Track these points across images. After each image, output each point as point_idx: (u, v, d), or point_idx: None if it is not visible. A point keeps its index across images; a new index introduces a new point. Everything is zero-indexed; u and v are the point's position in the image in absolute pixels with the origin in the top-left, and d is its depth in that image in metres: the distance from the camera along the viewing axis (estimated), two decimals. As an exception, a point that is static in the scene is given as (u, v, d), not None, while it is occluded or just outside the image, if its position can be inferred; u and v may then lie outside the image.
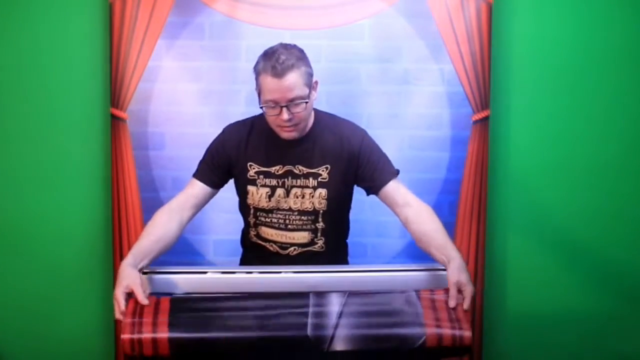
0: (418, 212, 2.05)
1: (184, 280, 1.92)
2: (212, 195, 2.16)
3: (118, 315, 1.76)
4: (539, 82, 2.72)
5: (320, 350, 1.67)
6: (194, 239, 2.70)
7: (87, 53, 2.69)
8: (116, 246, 2.69)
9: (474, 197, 2.69)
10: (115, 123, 2.65)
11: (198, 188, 2.13)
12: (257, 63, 2.00)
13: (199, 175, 2.15)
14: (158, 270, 1.96)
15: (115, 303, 1.78)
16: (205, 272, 1.91)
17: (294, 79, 1.95)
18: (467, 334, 1.70)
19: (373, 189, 2.11)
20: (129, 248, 2.65)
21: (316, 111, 2.14)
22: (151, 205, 2.68)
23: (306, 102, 1.99)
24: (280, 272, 1.92)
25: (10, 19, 2.68)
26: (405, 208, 2.07)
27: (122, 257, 2.66)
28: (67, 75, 2.70)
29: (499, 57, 2.70)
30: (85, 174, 2.74)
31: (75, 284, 2.79)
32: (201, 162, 2.18)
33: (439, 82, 2.66)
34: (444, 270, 1.89)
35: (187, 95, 2.67)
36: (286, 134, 2.04)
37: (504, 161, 2.75)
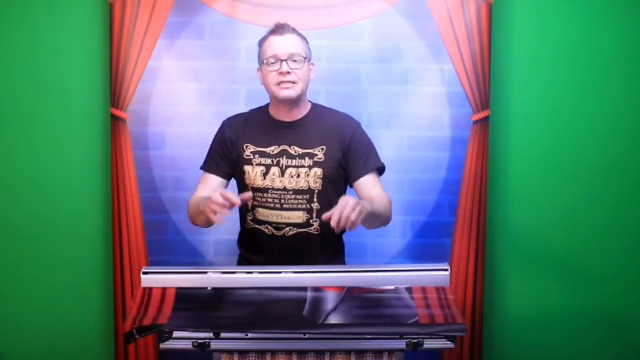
0: (373, 201, 2.11)
1: (184, 280, 1.92)
2: (226, 187, 2.23)
3: (223, 210, 1.91)
4: (539, 82, 2.72)
5: (314, 323, 1.73)
6: (194, 239, 2.70)
7: (87, 53, 2.69)
8: (116, 246, 2.69)
9: (474, 197, 2.70)
10: (115, 123, 2.65)
11: (213, 181, 2.21)
12: (262, 37, 2.18)
13: (209, 169, 2.23)
14: (159, 271, 1.96)
15: (215, 206, 1.91)
16: (205, 272, 1.91)
17: (295, 39, 2.14)
18: (458, 313, 1.79)
19: (350, 179, 2.18)
20: (129, 248, 2.68)
21: (314, 103, 2.24)
22: (151, 205, 2.69)
23: (304, 59, 2.12)
24: (280, 272, 1.92)
25: (10, 19, 2.68)
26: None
27: (122, 257, 2.69)
28: (67, 75, 2.70)
29: (499, 57, 2.70)
30: (85, 174, 2.74)
31: (76, 283, 2.79)
32: (208, 156, 2.25)
33: (439, 82, 2.66)
34: (445, 270, 1.90)
35: (187, 95, 2.67)
36: (284, 91, 2.12)
37: (504, 161, 2.75)
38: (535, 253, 2.80)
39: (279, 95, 2.12)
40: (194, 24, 2.64)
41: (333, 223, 1.84)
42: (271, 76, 2.12)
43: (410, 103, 2.67)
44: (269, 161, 2.17)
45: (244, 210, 2.24)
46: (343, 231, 2.32)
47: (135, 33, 2.61)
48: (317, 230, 2.18)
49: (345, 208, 1.84)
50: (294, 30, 2.16)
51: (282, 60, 2.10)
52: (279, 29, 2.14)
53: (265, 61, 2.13)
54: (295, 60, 2.11)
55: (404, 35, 2.64)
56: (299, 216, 2.17)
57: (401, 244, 2.72)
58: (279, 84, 2.11)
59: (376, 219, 2.07)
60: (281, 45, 2.11)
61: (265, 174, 2.16)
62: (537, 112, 2.73)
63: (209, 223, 2.06)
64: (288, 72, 2.10)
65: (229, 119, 2.27)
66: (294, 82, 2.11)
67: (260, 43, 2.18)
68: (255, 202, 2.20)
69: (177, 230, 2.69)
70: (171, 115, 2.67)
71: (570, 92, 2.73)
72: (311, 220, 2.17)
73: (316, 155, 2.16)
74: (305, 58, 2.14)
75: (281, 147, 2.17)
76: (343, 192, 2.23)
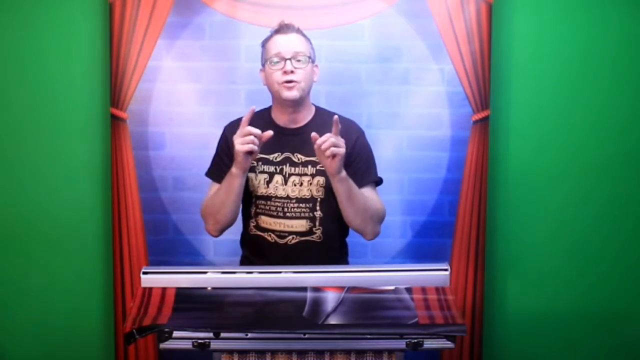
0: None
1: (184, 280, 1.92)
2: None
3: (253, 139, 1.98)
4: (539, 82, 2.72)
5: (314, 323, 1.73)
6: (194, 239, 2.70)
7: (87, 53, 2.69)
8: (116, 246, 2.69)
9: (474, 197, 2.70)
10: (115, 123, 2.65)
11: None
12: (266, 37, 2.17)
13: (217, 178, 2.19)
14: (159, 271, 1.96)
15: (247, 137, 1.97)
16: (205, 272, 1.91)
17: (299, 38, 2.14)
18: (458, 314, 1.79)
19: None
20: (129, 248, 2.68)
21: (317, 107, 2.22)
22: (151, 205, 2.69)
23: (308, 58, 2.11)
24: (280, 272, 1.92)
25: (10, 19, 2.68)
26: None
27: (122, 257, 2.69)
28: (67, 75, 2.70)
29: (499, 57, 2.70)
30: (85, 174, 2.74)
31: (76, 283, 2.79)
32: (214, 165, 2.23)
33: (439, 82, 2.66)
34: (445, 270, 1.90)
35: (187, 95, 2.67)
36: (288, 92, 2.10)
37: (504, 161, 2.75)
38: (535, 253, 2.80)
39: (283, 96, 2.10)
40: (194, 24, 2.64)
41: (319, 141, 1.95)
42: (275, 75, 2.10)
43: (410, 103, 2.67)
44: (272, 169, 2.16)
45: (247, 216, 2.23)
46: (346, 234, 2.31)
47: (135, 33, 2.61)
48: (319, 239, 2.17)
49: (333, 138, 1.96)
50: (298, 30, 2.15)
51: (286, 59, 2.09)
52: (283, 28, 2.14)
53: (268, 60, 2.12)
54: (299, 60, 2.10)
55: (404, 35, 2.64)
56: (301, 224, 2.16)
57: (401, 244, 2.72)
58: (282, 83, 2.09)
59: (355, 205, 2.07)
60: (285, 43, 2.11)
61: (268, 182, 2.15)
62: (537, 112, 2.73)
63: (236, 206, 2.12)
64: (292, 72, 2.08)
65: (231, 124, 2.24)
66: (297, 82, 2.09)
67: (264, 43, 2.17)
68: (257, 210, 2.19)
69: (177, 230, 2.69)
70: (171, 116, 2.67)
71: (571, 91, 2.73)
72: (314, 229, 2.16)
73: (319, 163, 2.12)
74: (309, 58, 2.12)
75: (284, 155, 2.16)
76: None
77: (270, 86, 2.15)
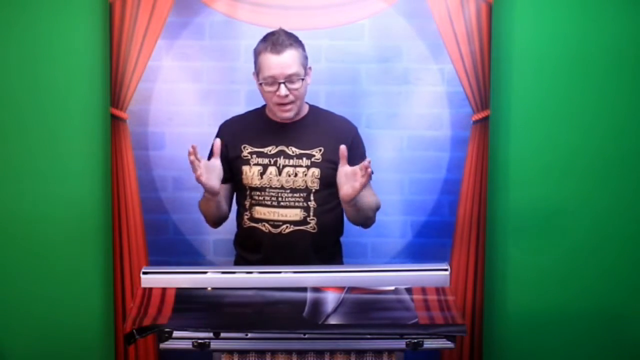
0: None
1: (184, 280, 1.92)
2: (232, 189, 2.27)
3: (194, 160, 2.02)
4: (539, 82, 2.72)
5: (314, 323, 1.74)
6: (194, 239, 2.70)
7: (87, 53, 2.69)
8: (116, 246, 2.69)
9: (474, 197, 2.69)
10: (115, 123, 2.65)
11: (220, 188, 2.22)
12: (257, 45, 2.14)
13: None
14: (159, 271, 1.96)
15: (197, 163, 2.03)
16: (205, 272, 1.92)
17: (292, 56, 2.10)
18: (458, 315, 1.80)
19: None
20: (129, 248, 2.68)
21: (311, 105, 2.26)
22: (151, 205, 2.69)
23: (302, 79, 2.12)
24: (280, 272, 1.92)
25: (10, 19, 2.68)
26: None
27: (122, 257, 2.69)
28: (67, 75, 2.70)
29: (499, 57, 2.70)
30: (85, 174, 2.74)
31: (76, 283, 2.79)
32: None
33: (439, 82, 2.66)
34: (445, 270, 1.90)
35: (187, 95, 2.67)
36: (283, 113, 2.14)
37: (504, 161, 2.75)
38: (535, 252, 2.80)
39: (278, 115, 2.16)
40: (194, 24, 2.64)
41: (365, 163, 1.98)
42: (269, 96, 2.13)
43: (410, 103, 2.67)
44: (266, 161, 2.19)
45: (241, 210, 2.26)
46: (340, 232, 2.32)
47: (135, 33, 2.61)
48: (314, 229, 2.19)
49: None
50: (290, 45, 2.10)
51: (279, 83, 2.09)
52: (276, 45, 2.09)
53: (262, 81, 2.12)
54: (292, 81, 2.10)
55: (404, 35, 2.64)
56: (295, 214, 2.18)
57: (401, 244, 2.72)
58: (277, 104, 2.13)
59: (360, 212, 2.15)
60: (278, 65, 2.08)
61: (262, 174, 2.18)
62: (537, 112, 2.73)
63: (218, 214, 2.21)
64: (286, 95, 2.10)
65: (226, 122, 2.30)
66: (292, 102, 2.13)
67: (256, 54, 2.15)
68: (252, 201, 2.21)
69: (177, 230, 2.69)
70: (171, 116, 2.67)
71: (570, 91, 2.73)
72: (308, 219, 2.19)
73: (314, 155, 2.17)
74: (302, 80, 2.12)
75: (279, 148, 2.19)
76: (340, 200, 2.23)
77: (265, 100, 2.18)
